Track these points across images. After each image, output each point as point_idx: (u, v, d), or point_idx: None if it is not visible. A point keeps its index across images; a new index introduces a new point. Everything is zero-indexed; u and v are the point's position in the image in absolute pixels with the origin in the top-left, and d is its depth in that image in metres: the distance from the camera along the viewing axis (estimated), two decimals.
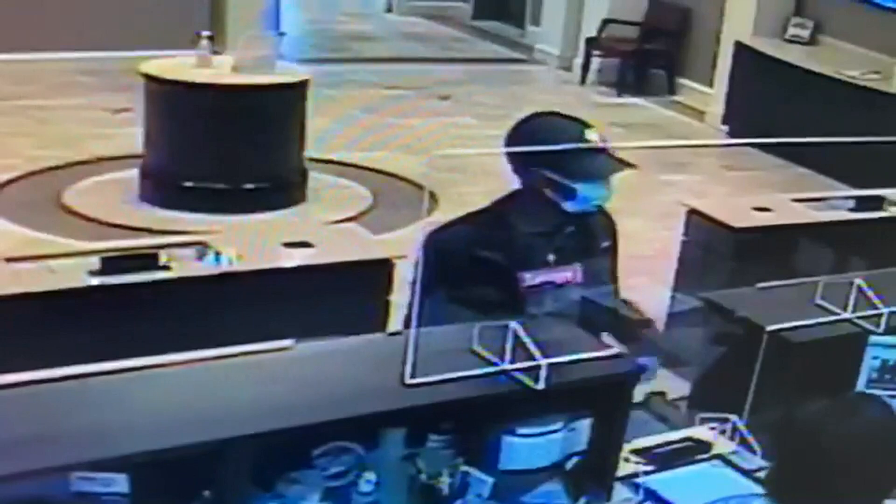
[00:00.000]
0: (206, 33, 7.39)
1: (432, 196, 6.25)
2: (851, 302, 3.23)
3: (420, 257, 3.02)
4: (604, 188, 3.31)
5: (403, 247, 4.70)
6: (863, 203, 5.75)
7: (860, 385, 3.23)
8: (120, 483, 2.25)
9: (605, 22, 11.19)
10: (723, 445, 3.12)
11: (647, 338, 3.49)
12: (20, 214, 7.01)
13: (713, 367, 3.43)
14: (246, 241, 4.77)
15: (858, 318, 3.24)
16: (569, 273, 3.34)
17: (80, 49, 10.08)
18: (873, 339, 3.23)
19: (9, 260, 4.40)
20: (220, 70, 7.26)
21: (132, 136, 7.57)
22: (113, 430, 2.28)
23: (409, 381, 2.51)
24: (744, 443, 3.09)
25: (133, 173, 7.49)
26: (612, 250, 3.52)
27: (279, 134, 7.33)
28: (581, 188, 3.26)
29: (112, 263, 4.34)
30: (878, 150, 4.92)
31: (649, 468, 2.96)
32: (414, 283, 2.60)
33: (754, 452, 3.06)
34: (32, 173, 7.71)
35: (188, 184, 7.23)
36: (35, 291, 4.18)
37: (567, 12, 11.88)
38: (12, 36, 9.73)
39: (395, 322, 4.21)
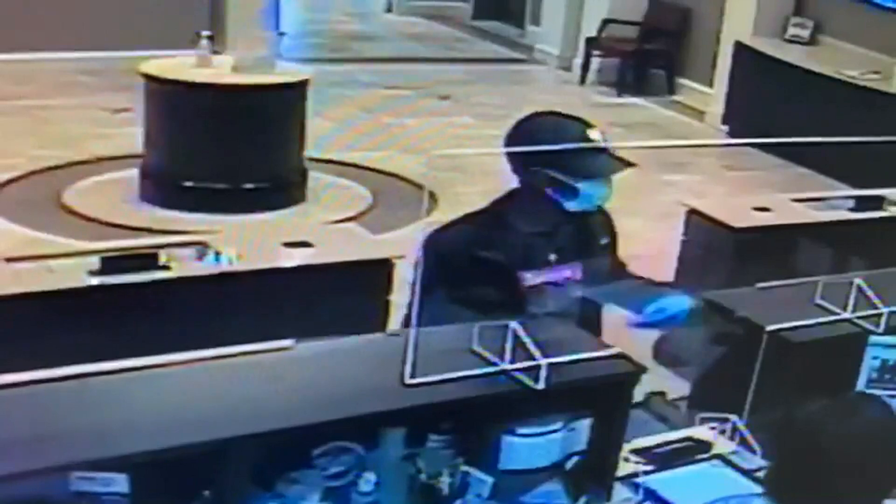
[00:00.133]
0: (206, 33, 7.38)
1: (432, 196, 6.26)
2: (851, 302, 3.23)
3: (420, 258, 3.02)
4: (605, 187, 3.32)
5: (403, 247, 4.70)
6: (863, 203, 5.75)
7: (860, 385, 3.23)
8: (120, 483, 2.25)
9: (605, 22, 11.20)
10: (723, 445, 3.12)
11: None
12: (20, 214, 7.01)
13: (713, 367, 3.43)
14: (246, 241, 4.77)
15: (858, 318, 3.23)
16: (568, 272, 3.35)
17: (80, 49, 10.09)
18: (873, 339, 3.23)
19: (9, 260, 4.40)
20: (220, 70, 7.27)
21: (132, 136, 7.57)
22: (113, 430, 2.28)
23: (409, 381, 2.51)
24: (744, 443, 3.09)
25: (133, 173, 7.49)
26: (612, 247, 3.52)
27: (279, 134, 7.33)
28: (583, 187, 3.27)
29: (112, 263, 4.34)
30: (878, 150, 4.91)
31: (649, 468, 2.96)
32: (414, 283, 2.60)
33: (754, 452, 3.06)
34: (33, 173, 7.71)
35: (188, 184, 7.23)
36: (35, 291, 4.18)
37: (567, 12, 11.88)
38: (12, 36, 9.73)
39: (395, 322, 4.21)
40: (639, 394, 3.08)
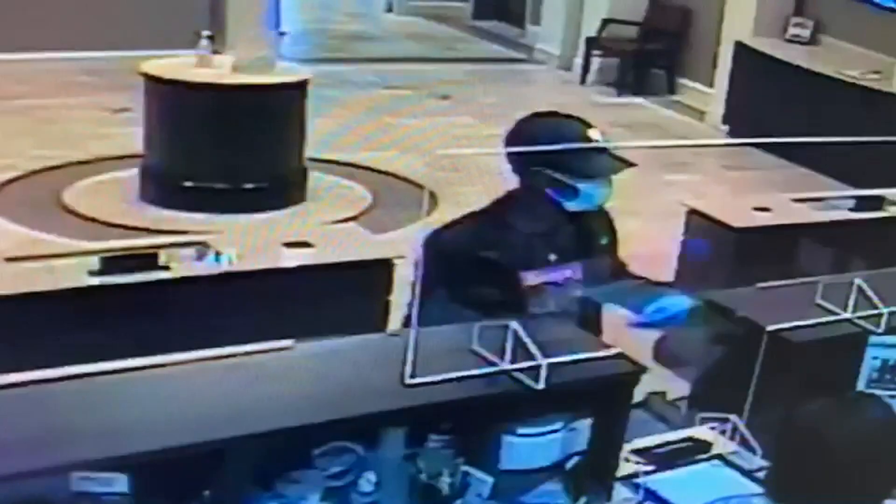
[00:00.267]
0: (206, 33, 7.39)
1: (432, 196, 6.26)
2: (851, 302, 3.23)
3: (420, 258, 3.02)
4: (606, 187, 3.33)
5: (403, 247, 4.70)
6: (863, 203, 5.75)
7: (860, 385, 3.23)
8: (120, 483, 2.25)
9: (605, 22, 11.20)
10: (723, 445, 3.11)
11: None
12: (20, 214, 7.01)
13: (713, 367, 3.43)
14: (246, 242, 4.77)
15: (858, 318, 3.23)
16: (569, 272, 3.35)
17: (80, 49, 10.09)
18: (873, 339, 3.23)
19: (9, 260, 4.40)
20: (221, 70, 7.27)
21: (132, 136, 7.57)
22: (113, 430, 2.28)
23: (409, 381, 2.50)
24: (744, 443, 3.09)
25: (133, 173, 7.49)
26: (612, 247, 3.52)
27: (279, 134, 7.33)
28: (584, 187, 3.28)
29: (112, 263, 4.35)
30: (878, 150, 4.92)
31: (649, 468, 2.96)
32: (414, 283, 2.60)
33: (754, 452, 3.06)
34: (33, 173, 7.71)
35: (188, 184, 7.23)
36: (35, 291, 4.18)
37: (567, 12, 11.88)
38: (12, 36, 9.73)
39: (395, 322, 4.21)
40: (639, 394, 3.08)
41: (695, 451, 3.10)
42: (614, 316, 3.49)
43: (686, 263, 5.31)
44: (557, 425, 2.69)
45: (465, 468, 2.63)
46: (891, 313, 3.22)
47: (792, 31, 10.13)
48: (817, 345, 3.15)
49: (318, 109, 7.68)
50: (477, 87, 10.95)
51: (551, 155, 3.17)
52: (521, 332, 2.64)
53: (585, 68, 11.42)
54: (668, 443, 3.12)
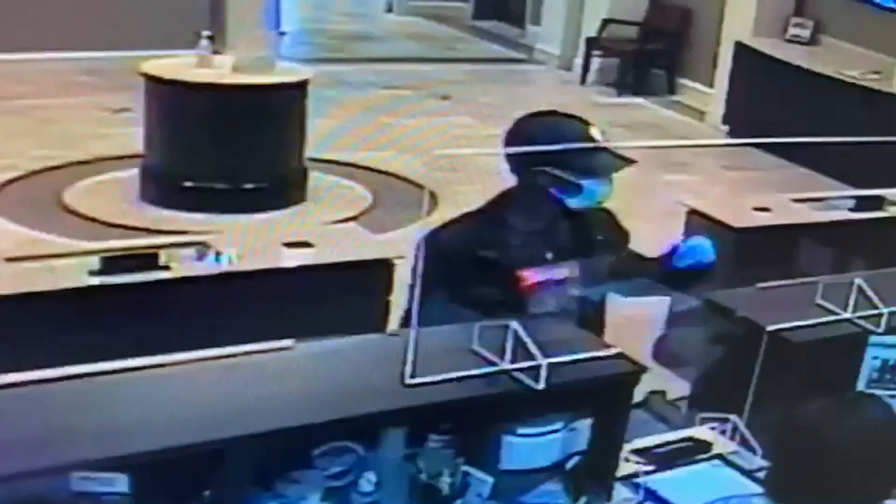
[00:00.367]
0: (206, 33, 7.39)
1: (432, 196, 6.25)
2: (851, 302, 3.23)
3: (418, 258, 3.02)
4: (607, 185, 3.34)
5: (403, 247, 4.70)
6: (863, 203, 5.74)
7: (860, 385, 3.23)
8: (120, 483, 2.25)
9: (606, 22, 11.20)
10: (723, 445, 3.11)
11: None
12: (20, 214, 7.01)
13: (713, 367, 3.43)
14: (246, 242, 4.77)
15: (858, 318, 3.23)
16: (566, 270, 3.35)
17: (80, 49, 10.09)
18: (873, 339, 3.23)
19: (9, 260, 4.40)
20: (221, 70, 7.27)
21: (132, 136, 7.57)
22: (113, 430, 2.28)
23: (409, 381, 2.50)
24: (744, 443, 3.09)
25: (133, 173, 7.49)
26: (612, 244, 3.51)
27: (279, 134, 7.33)
28: (586, 184, 3.29)
29: (112, 263, 4.34)
30: (878, 150, 4.91)
31: (649, 468, 2.96)
32: (412, 283, 2.59)
33: (754, 452, 3.06)
34: (33, 173, 7.71)
35: (188, 184, 7.23)
36: (35, 291, 4.18)
37: (567, 12, 11.88)
38: (12, 36, 9.73)
39: (395, 322, 4.21)
40: (639, 394, 3.08)
41: (695, 451, 3.10)
42: (617, 314, 3.50)
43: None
44: (557, 425, 2.69)
45: (465, 468, 2.63)
46: (891, 313, 3.22)
47: (792, 31, 10.13)
48: (817, 345, 3.15)
49: (317, 110, 7.68)
50: (477, 88, 10.95)
51: (553, 153, 3.17)
52: (521, 332, 2.64)
53: (585, 68, 11.42)
54: (668, 443, 3.12)
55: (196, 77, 7.17)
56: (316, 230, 5.52)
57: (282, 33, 8.78)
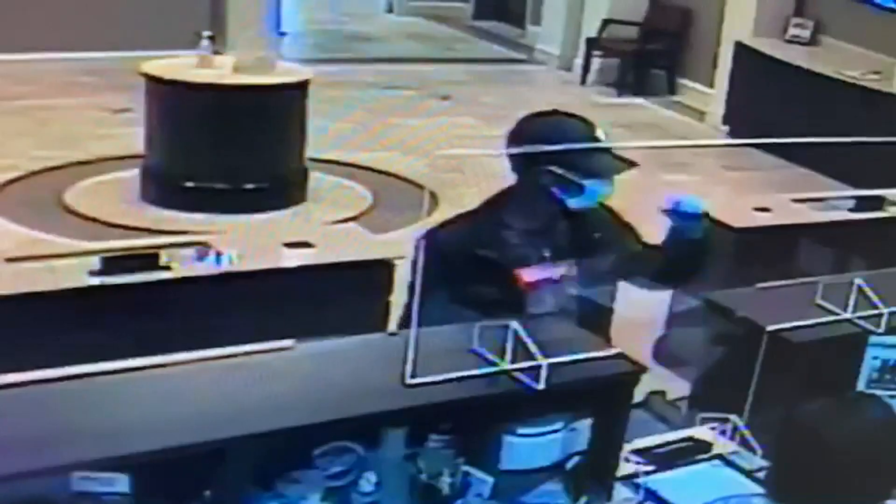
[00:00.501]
0: (206, 33, 7.39)
1: (433, 196, 6.26)
2: (851, 302, 3.23)
3: (418, 258, 3.02)
4: (609, 185, 3.34)
5: (403, 247, 4.70)
6: (863, 203, 5.75)
7: (860, 385, 3.23)
8: (121, 483, 2.25)
9: (606, 22, 11.20)
10: (723, 445, 3.11)
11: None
12: (21, 214, 7.01)
13: (713, 367, 3.43)
14: (247, 242, 4.77)
15: (858, 318, 3.23)
16: (564, 269, 3.35)
17: (80, 49, 10.09)
18: (873, 339, 3.23)
19: (9, 260, 4.40)
20: (221, 70, 7.27)
21: (133, 136, 7.57)
22: (113, 430, 2.28)
23: (409, 381, 2.50)
24: (744, 443, 3.09)
25: (134, 173, 7.50)
26: (612, 243, 3.50)
27: (279, 134, 7.33)
28: (589, 184, 3.30)
29: (112, 263, 4.35)
30: (878, 150, 4.91)
31: (649, 468, 2.96)
32: (412, 283, 2.60)
33: (754, 452, 3.06)
34: (33, 173, 7.71)
35: (188, 184, 7.24)
36: (36, 291, 4.18)
37: (567, 12, 11.89)
38: (12, 36, 9.74)
39: (395, 322, 4.21)
40: (639, 394, 3.08)
41: (695, 451, 3.10)
42: (619, 314, 3.51)
43: None
44: (557, 425, 2.69)
45: (465, 468, 2.63)
46: (891, 313, 3.22)
47: (792, 31, 10.14)
48: (817, 345, 3.15)
49: (318, 110, 7.68)
50: (477, 88, 10.96)
51: (555, 153, 3.18)
52: (521, 332, 2.64)
53: (586, 69, 11.42)
54: (668, 443, 3.12)
55: (197, 77, 7.18)
56: (316, 230, 5.52)
57: (282, 34, 8.77)
